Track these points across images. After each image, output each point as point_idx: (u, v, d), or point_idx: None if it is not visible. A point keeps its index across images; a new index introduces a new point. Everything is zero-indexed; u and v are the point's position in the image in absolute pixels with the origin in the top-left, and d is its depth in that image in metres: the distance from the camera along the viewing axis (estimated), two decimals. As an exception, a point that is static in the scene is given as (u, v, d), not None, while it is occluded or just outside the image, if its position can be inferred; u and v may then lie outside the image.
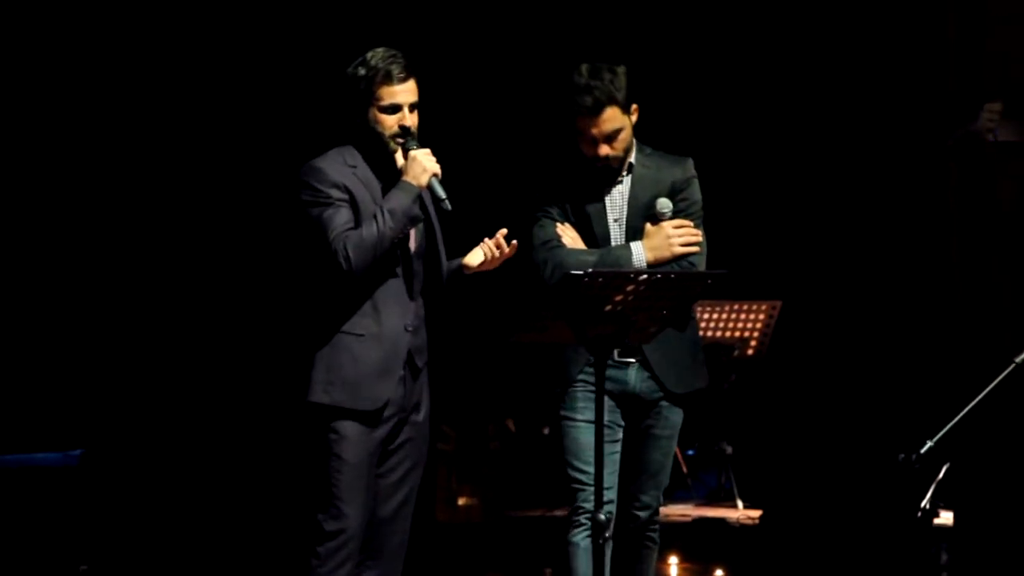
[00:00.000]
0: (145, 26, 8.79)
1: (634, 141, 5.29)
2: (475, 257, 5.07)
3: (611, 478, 5.24)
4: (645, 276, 4.74)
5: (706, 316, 8.54)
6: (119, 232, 8.94)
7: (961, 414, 4.90)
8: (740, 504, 8.53)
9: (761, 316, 8.49)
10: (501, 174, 8.86)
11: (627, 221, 5.27)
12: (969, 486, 6.59)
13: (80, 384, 8.89)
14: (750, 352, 8.52)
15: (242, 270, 8.95)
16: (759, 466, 8.86)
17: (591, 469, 5.09)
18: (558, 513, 7.77)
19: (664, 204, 5.24)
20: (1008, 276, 8.31)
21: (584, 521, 5.22)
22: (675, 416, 5.35)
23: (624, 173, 5.29)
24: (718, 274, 4.92)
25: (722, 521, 8.16)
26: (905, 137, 8.99)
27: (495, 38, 9.25)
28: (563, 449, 5.28)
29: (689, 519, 8.23)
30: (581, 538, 5.22)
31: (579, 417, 5.25)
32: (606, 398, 5.11)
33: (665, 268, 5.18)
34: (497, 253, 5.00)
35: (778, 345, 8.56)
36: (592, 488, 5.02)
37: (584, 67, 5.19)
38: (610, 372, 5.17)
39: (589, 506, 5.15)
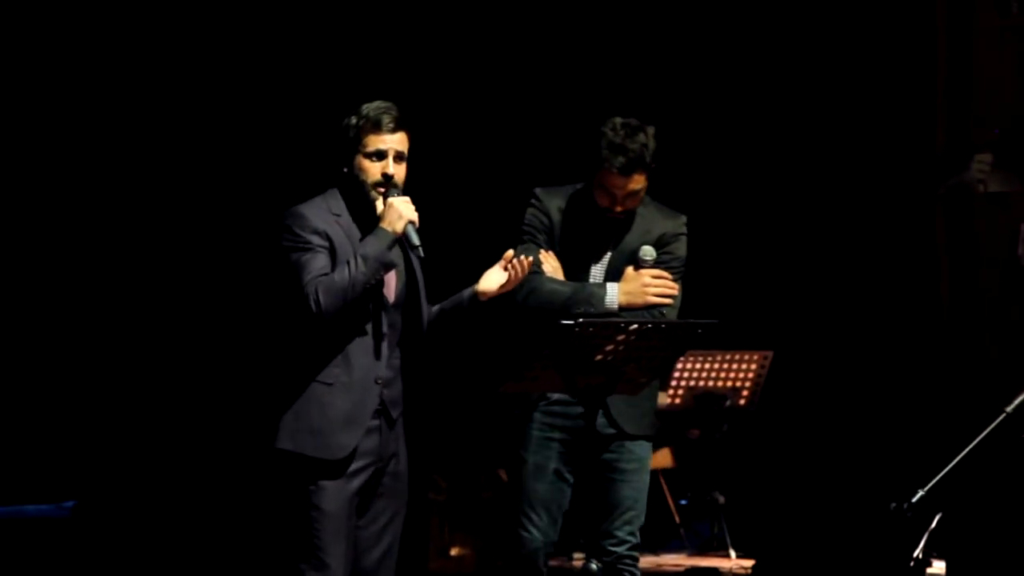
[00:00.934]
0: (139, 42, 8.79)
1: None
2: (492, 281, 5.06)
3: (554, 525, 5.34)
4: (636, 326, 4.77)
5: (698, 366, 8.54)
6: (109, 277, 8.92)
7: (953, 463, 4.90)
8: (733, 553, 8.52)
9: (753, 366, 8.50)
10: (478, 217, 8.89)
11: (610, 262, 5.35)
12: (961, 536, 6.58)
13: (73, 435, 8.87)
14: (742, 402, 8.53)
15: (229, 316, 8.94)
16: (752, 515, 8.85)
17: (534, 516, 5.26)
18: (553, 562, 7.76)
19: (648, 252, 5.31)
20: (998, 327, 8.33)
21: (522, 566, 5.33)
22: (641, 450, 5.36)
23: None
24: (708, 324, 4.96)
25: (715, 571, 8.14)
26: (894, 188, 9.01)
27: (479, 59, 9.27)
28: (516, 486, 5.34)
29: (682, 568, 8.21)
30: None
31: (530, 460, 5.32)
32: (557, 444, 5.28)
33: (639, 317, 5.24)
34: (520, 270, 5.01)
35: (770, 395, 8.56)
36: (530, 535, 5.28)
37: (619, 123, 5.27)
38: (567, 408, 5.22)
39: (526, 552, 5.30)
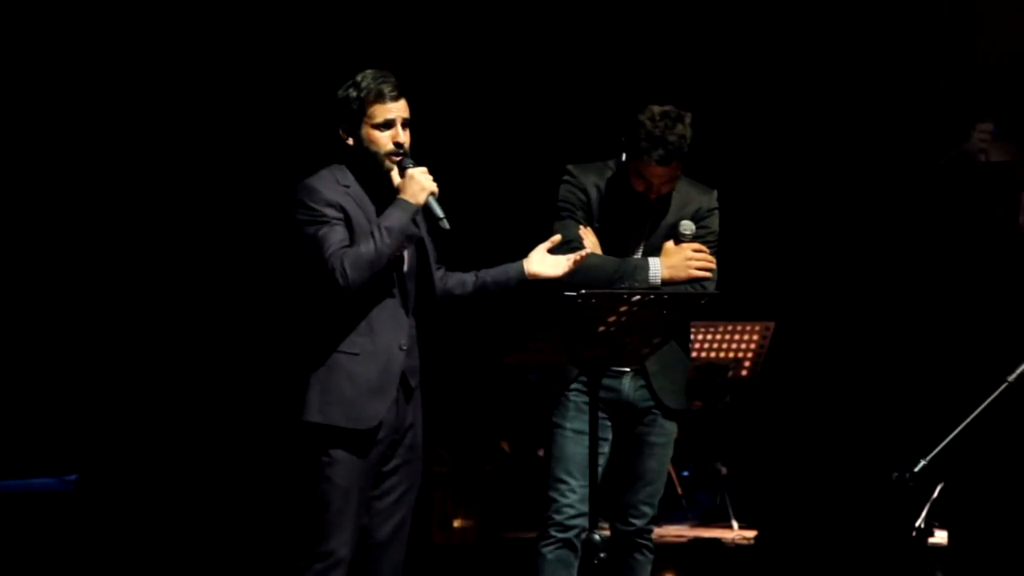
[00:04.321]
0: (136, 34, 8.80)
1: None
2: (546, 265, 5.06)
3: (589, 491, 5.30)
4: (638, 297, 4.77)
5: (700, 337, 8.55)
6: (117, 254, 8.94)
7: (954, 433, 4.91)
8: (735, 524, 8.54)
9: (755, 337, 8.51)
10: (499, 188, 8.90)
11: (649, 238, 5.35)
12: (963, 505, 6.60)
13: (76, 409, 8.89)
14: (744, 373, 8.54)
15: (238, 290, 8.96)
16: (754, 486, 8.87)
17: (572, 481, 5.26)
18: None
19: (687, 226, 5.33)
20: (1000, 296, 8.33)
21: (555, 534, 5.31)
22: (670, 424, 5.39)
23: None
24: (711, 295, 4.97)
25: (717, 541, 8.16)
26: (896, 158, 9.01)
27: (490, 43, 9.27)
28: (549, 455, 5.34)
29: (684, 539, 8.22)
30: (550, 550, 5.32)
31: (568, 426, 5.32)
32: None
33: (671, 288, 5.25)
34: (576, 262, 5.03)
35: (772, 366, 8.57)
36: (567, 500, 5.23)
37: (657, 113, 5.24)
38: (604, 380, 5.21)
39: (561, 518, 5.28)
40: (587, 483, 5.16)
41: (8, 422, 8.72)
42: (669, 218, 5.35)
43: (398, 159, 4.92)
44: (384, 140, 4.92)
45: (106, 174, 8.94)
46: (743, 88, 9.37)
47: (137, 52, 8.83)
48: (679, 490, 9.00)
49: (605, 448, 5.32)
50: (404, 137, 4.94)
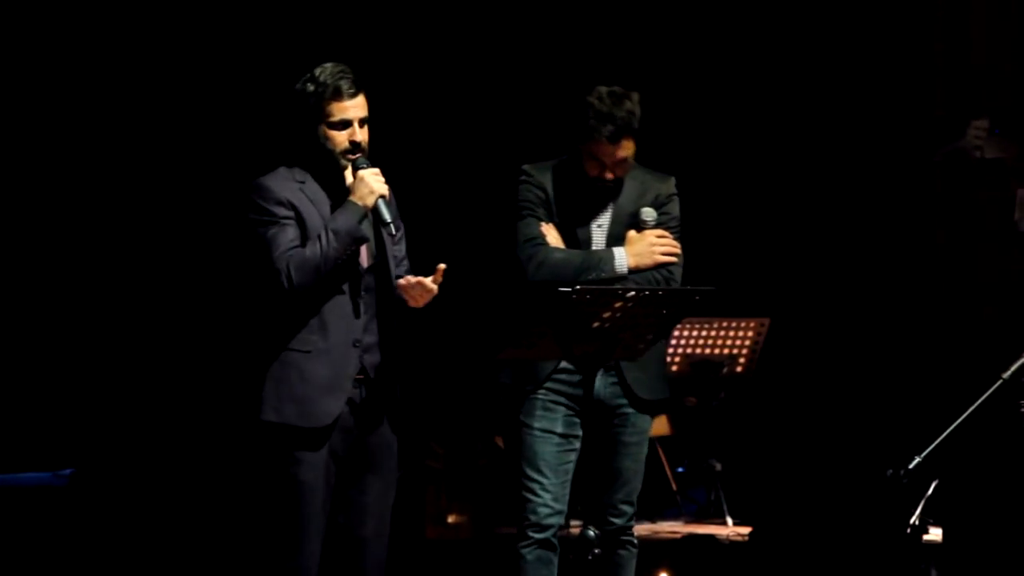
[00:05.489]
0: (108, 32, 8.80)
1: None
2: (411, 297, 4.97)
3: (563, 488, 5.32)
4: (633, 293, 4.77)
5: (695, 333, 8.55)
6: (112, 251, 8.92)
7: (949, 430, 4.91)
8: (730, 521, 8.53)
9: (750, 333, 8.51)
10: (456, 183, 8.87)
11: (610, 228, 5.36)
12: (958, 502, 6.60)
13: (70, 403, 8.87)
14: (739, 369, 8.53)
15: (232, 286, 8.93)
16: (748, 483, 8.86)
17: (544, 480, 5.29)
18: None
19: (649, 213, 5.35)
20: (995, 292, 8.34)
21: (532, 535, 5.31)
22: (642, 422, 5.40)
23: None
24: (706, 291, 4.97)
25: (712, 538, 8.16)
26: (892, 154, 9.01)
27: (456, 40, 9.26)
28: (520, 455, 5.34)
29: (678, 536, 8.22)
30: (529, 551, 5.32)
31: (536, 425, 5.33)
32: (563, 408, 5.29)
33: (645, 274, 5.29)
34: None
35: (767, 362, 8.57)
36: (541, 500, 5.25)
37: (604, 92, 5.28)
38: (574, 378, 5.23)
39: (536, 518, 5.28)
40: (559, 481, 5.25)
41: (2, 416, 8.70)
42: (629, 207, 5.37)
43: (353, 158, 4.88)
44: (340, 138, 4.88)
45: (103, 172, 8.93)
46: (739, 85, 9.36)
47: (94, 49, 8.82)
48: (673, 486, 9.00)
49: (576, 445, 5.34)
50: (361, 136, 4.89)
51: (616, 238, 5.35)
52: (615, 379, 5.32)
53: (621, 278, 5.24)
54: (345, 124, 4.87)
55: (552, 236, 5.32)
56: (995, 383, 4.97)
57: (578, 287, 4.75)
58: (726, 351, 8.53)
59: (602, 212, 5.38)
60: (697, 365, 8.53)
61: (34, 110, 8.79)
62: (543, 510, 5.30)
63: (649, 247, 5.33)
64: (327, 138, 4.88)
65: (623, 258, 5.30)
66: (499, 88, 9.24)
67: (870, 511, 7.04)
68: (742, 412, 8.94)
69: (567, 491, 5.34)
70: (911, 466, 4.86)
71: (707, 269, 5.66)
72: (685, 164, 5.63)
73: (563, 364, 5.29)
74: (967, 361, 8.01)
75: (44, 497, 8.31)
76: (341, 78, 4.87)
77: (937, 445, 4.88)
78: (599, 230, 5.37)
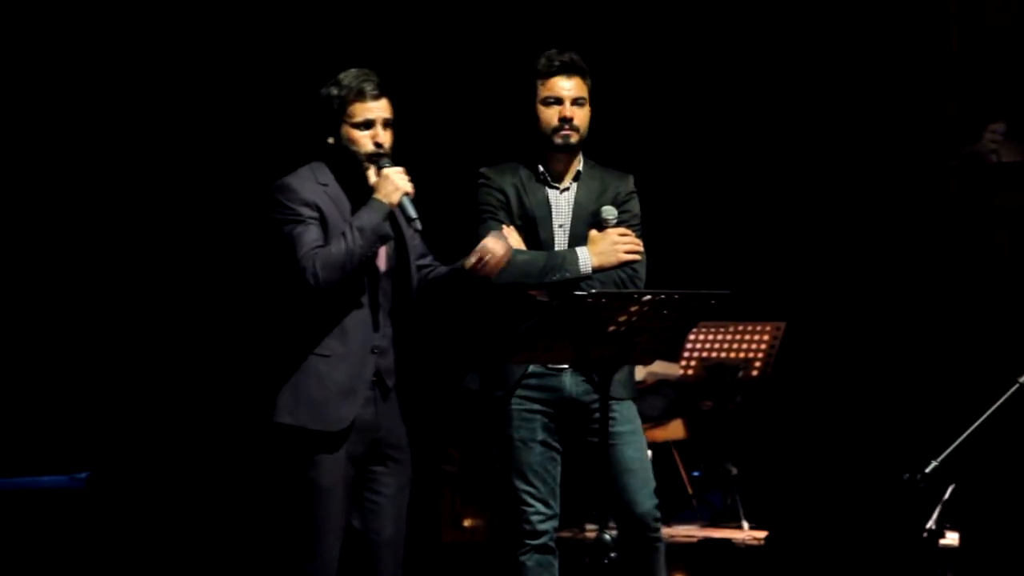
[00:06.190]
0: (115, 32, 8.82)
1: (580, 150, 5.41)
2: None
3: (553, 493, 5.33)
4: (649, 297, 4.77)
5: (710, 337, 8.55)
6: (128, 252, 8.95)
7: (966, 434, 4.91)
8: (745, 525, 8.53)
9: (765, 337, 8.51)
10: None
11: (571, 228, 5.37)
12: (975, 507, 6.59)
13: (87, 407, 8.90)
14: (754, 373, 8.53)
15: (248, 287, 8.95)
16: (764, 487, 8.86)
17: (532, 488, 5.29)
18: (565, 534, 7.78)
19: (610, 211, 5.36)
20: (1012, 298, 8.32)
21: (529, 542, 5.31)
22: (627, 409, 5.36)
23: (570, 181, 5.39)
24: (721, 295, 4.96)
25: (728, 542, 8.16)
26: (908, 157, 9.00)
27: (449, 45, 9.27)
28: (506, 465, 5.34)
29: (695, 540, 8.22)
30: (528, 558, 5.32)
31: (515, 436, 5.33)
32: (540, 416, 5.29)
33: (610, 274, 5.27)
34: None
35: (783, 366, 8.57)
36: (534, 508, 5.26)
37: (552, 50, 5.36)
38: (544, 382, 5.24)
39: (531, 527, 5.29)
40: (547, 487, 5.27)
41: (19, 420, 8.73)
42: (589, 206, 5.37)
43: (376, 159, 4.90)
44: (364, 139, 4.89)
45: (130, 181, 8.95)
46: (755, 89, 9.36)
47: (115, 49, 8.84)
48: (689, 490, 9.00)
49: (559, 448, 5.34)
50: (384, 137, 4.91)
51: (578, 238, 5.35)
52: (583, 377, 5.30)
53: (586, 278, 5.25)
54: (368, 124, 4.89)
55: (514, 238, 5.32)
56: (1011, 387, 4.97)
57: (592, 291, 4.75)
58: (742, 355, 8.53)
59: (563, 212, 5.39)
60: (713, 369, 8.53)
61: (59, 113, 8.81)
62: (536, 517, 5.31)
63: (612, 246, 5.33)
64: (350, 139, 4.90)
65: (587, 258, 5.30)
66: (500, 88, 9.24)
67: (886, 515, 7.03)
68: (758, 416, 8.94)
69: (557, 495, 5.35)
70: (927, 470, 4.86)
71: (722, 273, 5.67)
72: (701, 170, 5.63)
73: (531, 368, 5.29)
74: (983, 365, 8.00)
75: (61, 500, 8.35)
76: (364, 80, 4.90)
77: (954, 449, 4.88)
78: (560, 230, 5.37)
